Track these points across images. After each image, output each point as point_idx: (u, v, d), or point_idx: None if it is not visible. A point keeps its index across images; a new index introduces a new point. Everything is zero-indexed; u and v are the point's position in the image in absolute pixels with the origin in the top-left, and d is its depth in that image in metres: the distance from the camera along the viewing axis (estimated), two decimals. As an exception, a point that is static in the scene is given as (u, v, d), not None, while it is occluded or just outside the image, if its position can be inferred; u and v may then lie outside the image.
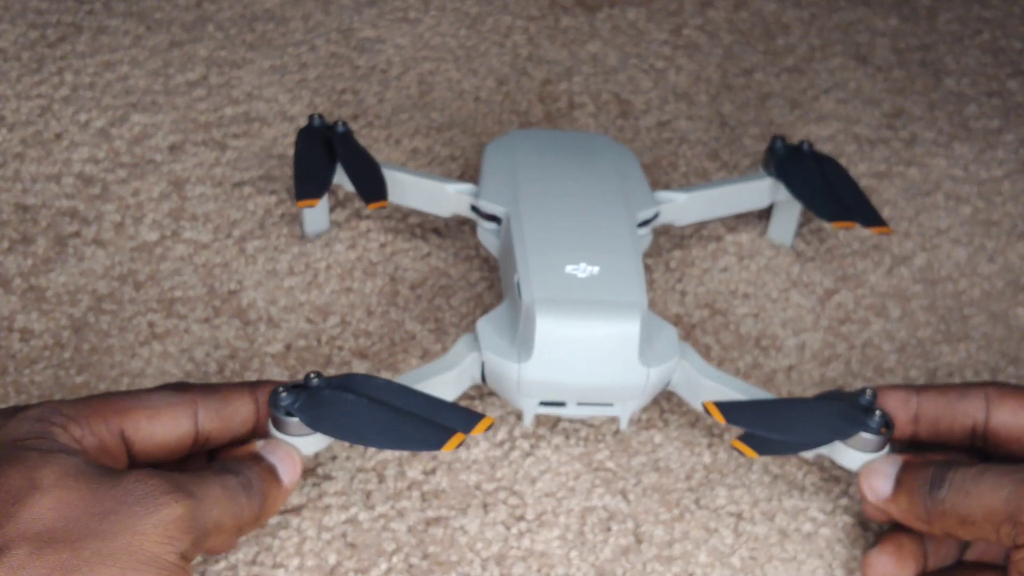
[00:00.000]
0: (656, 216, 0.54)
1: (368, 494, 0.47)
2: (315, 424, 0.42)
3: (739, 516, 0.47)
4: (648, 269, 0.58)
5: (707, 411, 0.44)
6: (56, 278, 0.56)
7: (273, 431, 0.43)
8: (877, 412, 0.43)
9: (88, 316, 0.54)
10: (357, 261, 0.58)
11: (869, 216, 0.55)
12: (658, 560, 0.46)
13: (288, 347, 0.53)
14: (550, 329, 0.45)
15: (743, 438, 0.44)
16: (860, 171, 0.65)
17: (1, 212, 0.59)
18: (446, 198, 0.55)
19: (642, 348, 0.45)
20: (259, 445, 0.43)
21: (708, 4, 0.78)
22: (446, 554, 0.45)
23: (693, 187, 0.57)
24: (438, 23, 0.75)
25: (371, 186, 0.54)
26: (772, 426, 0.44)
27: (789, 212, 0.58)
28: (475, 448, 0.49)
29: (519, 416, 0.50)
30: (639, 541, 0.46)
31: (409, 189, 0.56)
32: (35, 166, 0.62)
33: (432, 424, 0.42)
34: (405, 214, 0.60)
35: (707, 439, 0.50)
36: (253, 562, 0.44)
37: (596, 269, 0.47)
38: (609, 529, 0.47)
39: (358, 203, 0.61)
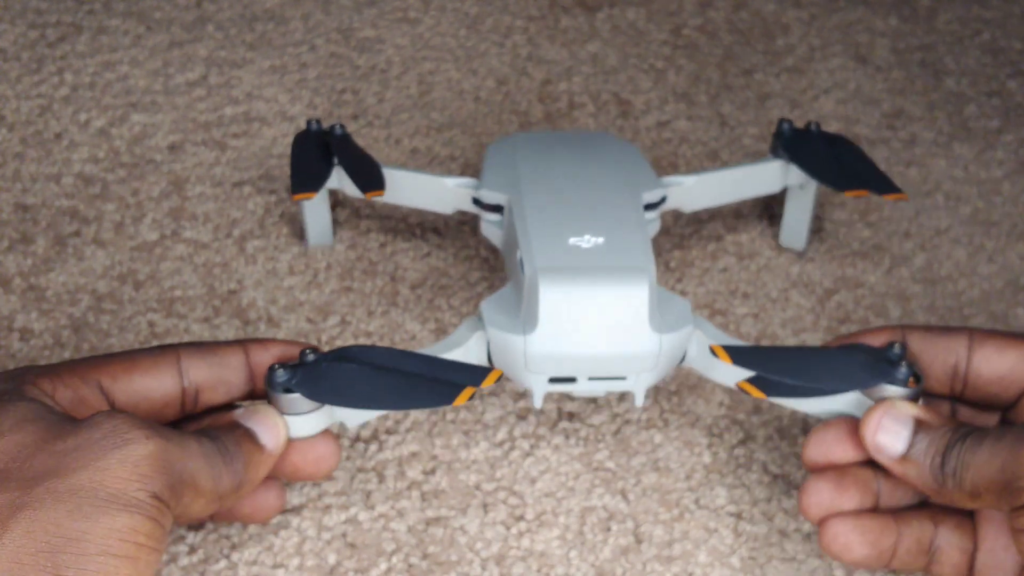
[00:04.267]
0: (663, 201, 0.53)
1: (368, 494, 0.47)
2: (318, 396, 0.40)
3: (739, 516, 0.47)
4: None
5: (714, 353, 0.42)
6: (56, 278, 0.56)
7: None
8: (906, 365, 0.41)
9: (88, 316, 0.54)
10: (357, 261, 0.58)
11: (883, 184, 0.54)
12: (658, 560, 0.46)
13: (288, 347, 0.53)
14: (555, 297, 0.43)
15: (752, 380, 0.41)
16: (860, 171, 0.65)
17: (1, 212, 0.59)
18: (447, 193, 0.54)
19: (653, 314, 0.43)
20: (237, 413, 0.40)
21: (708, 4, 0.78)
22: (446, 554, 0.45)
23: (701, 171, 0.56)
24: (438, 23, 0.75)
25: (368, 177, 0.53)
26: (785, 370, 0.41)
27: (801, 206, 0.57)
28: (475, 448, 0.49)
29: (520, 415, 0.50)
30: (639, 541, 0.46)
31: (409, 187, 0.55)
32: (35, 166, 0.62)
33: (440, 381, 0.41)
34: (405, 214, 0.60)
35: (707, 439, 0.50)
36: (253, 562, 0.44)
37: (601, 239, 0.46)
38: (609, 529, 0.47)
39: (358, 203, 0.61)
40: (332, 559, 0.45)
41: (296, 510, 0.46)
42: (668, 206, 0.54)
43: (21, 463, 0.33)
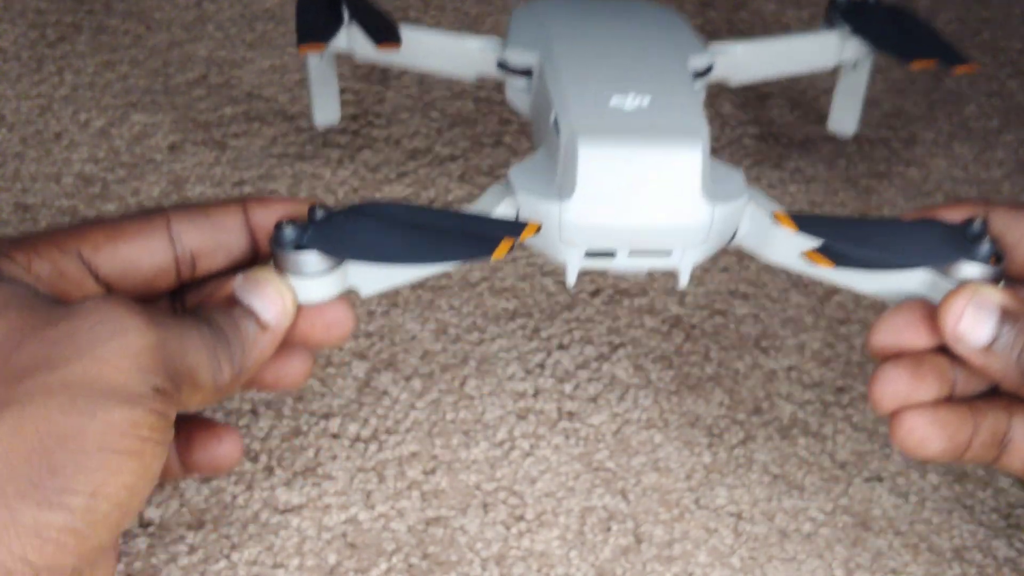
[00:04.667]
0: (710, 69, 0.48)
1: (368, 494, 0.47)
2: (336, 250, 0.35)
3: (739, 516, 0.47)
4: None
5: (777, 220, 0.38)
6: (56, 278, 0.56)
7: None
8: (988, 242, 0.37)
9: (88, 316, 0.54)
10: (357, 261, 0.58)
11: (951, 54, 0.50)
12: (658, 560, 0.46)
13: (288, 347, 0.53)
14: (596, 158, 0.38)
15: (819, 249, 0.38)
16: (860, 171, 0.65)
17: (1, 212, 0.59)
18: (469, 55, 0.50)
19: (705, 181, 0.39)
20: (237, 283, 0.35)
21: (708, 4, 0.78)
22: (446, 554, 0.45)
23: (753, 38, 0.51)
24: (438, 23, 0.75)
25: (383, 29, 0.49)
26: (856, 240, 0.37)
27: (853, 87, 0.53)
28: (475, 448, 0.49)
29: (520, 415, 0.50)
30: (639, 541, 0.46)
31: (427, 47, 0.50)
32: (35, 166, 0.62)
33: (474, 235, 0.36)
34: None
35: (707, 439, 0.50)
36: (253, 562, 0.44)
37: (646, 99, 0.41)
38: (609, 529, 0.47)
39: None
40: (332, 559, 0.45)
41: (296, 510, 0.46)
42: (715, 76, 0.49)
43: (5, 355, 0.30)
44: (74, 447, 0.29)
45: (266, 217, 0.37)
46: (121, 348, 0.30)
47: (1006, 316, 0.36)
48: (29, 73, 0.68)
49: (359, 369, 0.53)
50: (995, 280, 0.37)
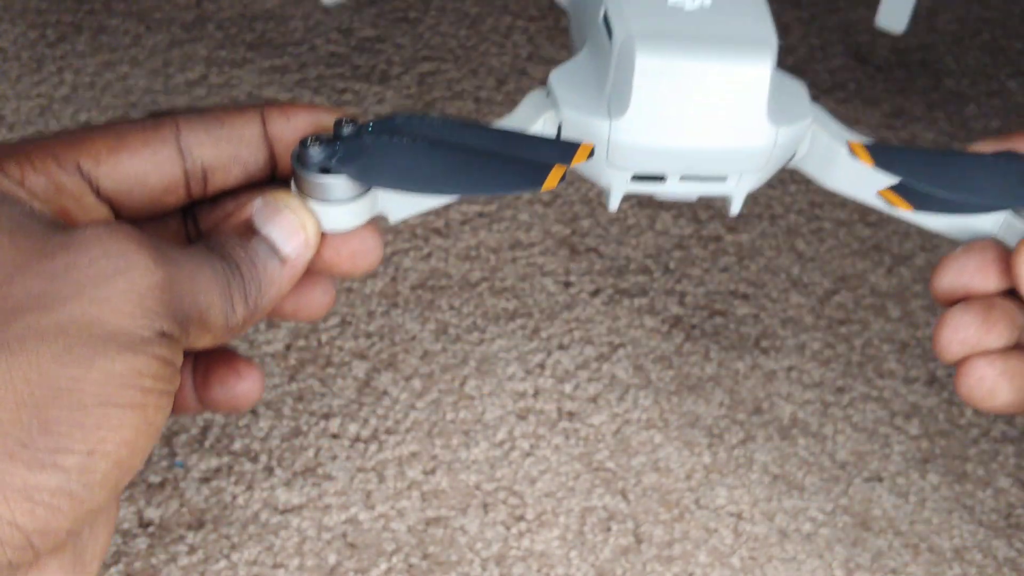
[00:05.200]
0: None
1: (368, 494, 0.47)
2: (367, 176, 0.32)
3: (739, 516, 0.47)
4: (648, 270, 0.58)
5: (853, 152, 0.35)
6: (56, 278, 0.56)
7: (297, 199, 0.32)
8: None
9: (88, 316, 0.54)
10: (357, 261, 0.58)
11: None
12: (658, 560, 0.46)
13: (288, 347, 0.53)
14: (654, 70, 0.34)
15: (896, 188, 0.35)
16: (860, 171, 0.65)
17: (1, 212, 0.59)
18: None
19: (772, 101, 0.36)
20: (256, 207, 0.31)
21: (708, 4, 0.78)
22: (446, 554, 0.45)
23: None
24: (438, 23, 0.75)
25: None
26: (935, 178, 0.35)
27: None
28: (475, 448, 0.49)
29: (520, 415, 0.50)
30: (639, 541, 0.46)
31: None
32: (35, 166, 0.62)
33: (519, 160, 0.33)
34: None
35: (707, 439, 0.50)
36: (253, 562, 0.44)
37: (708, 0, 0.37)
38: (609, 529, 0.47)
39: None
40: (332, 559, 0.45)
41: (296, 510, 0.46)
42: None
43: None
44: (69, 401, 0.26)
45: (287, 129, 0.34)
46: (124, 287, 0.27)
47: None
48: (29, 73, 0.68)
49: (359, 369, 0.53)
50: None
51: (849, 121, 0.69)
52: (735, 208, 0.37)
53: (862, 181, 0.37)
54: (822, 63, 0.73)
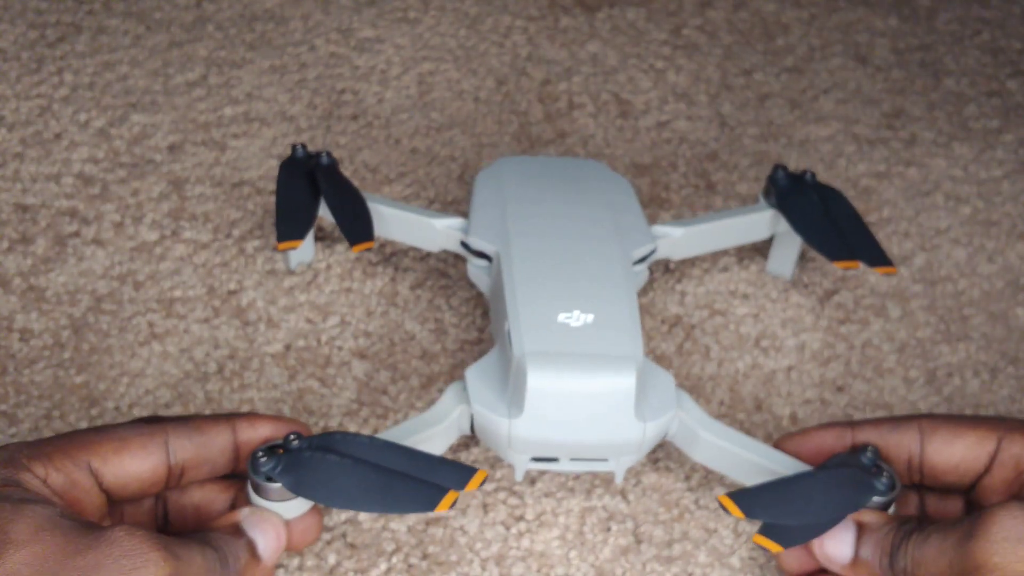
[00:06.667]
0: (653, 252, 0.52)
1: (368, 494, 0.47)
2: (298, 488, 0.40)
3: (739, 516, 0.47)
4: (648, 270, 0.58)
5: (723, 507, 0.42)
6: (56, 278, 0.56)
7: (253, 497, 0.41)
8: (885, 473, 0.42)
9: (88, 316, 0.54)
10: (357, 261, 0.58)
11: (874, 255, 0.53)
12: (658, 560, 0.46)
13: (288, 347, 0.53)
14: (542, 384, 0.43)
15: (763, 531, 0.42)
16: (860, 171, 0.65)
17: (1, 212, 0.59)
18: (434, 233, 0.53)
19: (638, 402, 0.44)
20: (243, 515, 0.41)
21: (708, 4, 0.78)
22: (446, 554, 0.45)
23: (690, 220, 0.55)
24: (438, 23, 0.75)
25: (357, 225, 0.52)
26: (788, 513, 0.42)
27: (789, 245, 0.57)
28: (475, 448, 0.49)
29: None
30: (639, 541, 0.46)
31: (396, 224, 0.54)
32: (35, 166, 0.62)
33: (422, 483, 0.41)
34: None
35: (707, 439, 0.50)
36: (253, 562, 0.44)
37: (590, 317, 0.45)
38: (609, 529, 0.47)
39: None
40: (332, 559, 0.45)
41: (296, 510, 0.46)
42: (656, 256, 0.53)
43: None
44: None
45: (252, 435, 0.43)
46: None
47: (863, 530, 0.42)
48: (29, 73, 0.68)
49: (359, 369, 0.52)
50: (887, 505, 0.42)
51: (849, 121, 0.69)
52: (618, 479, 0.46)
53: (722, 459, 0.45)
54: (822, 63, 0.73)
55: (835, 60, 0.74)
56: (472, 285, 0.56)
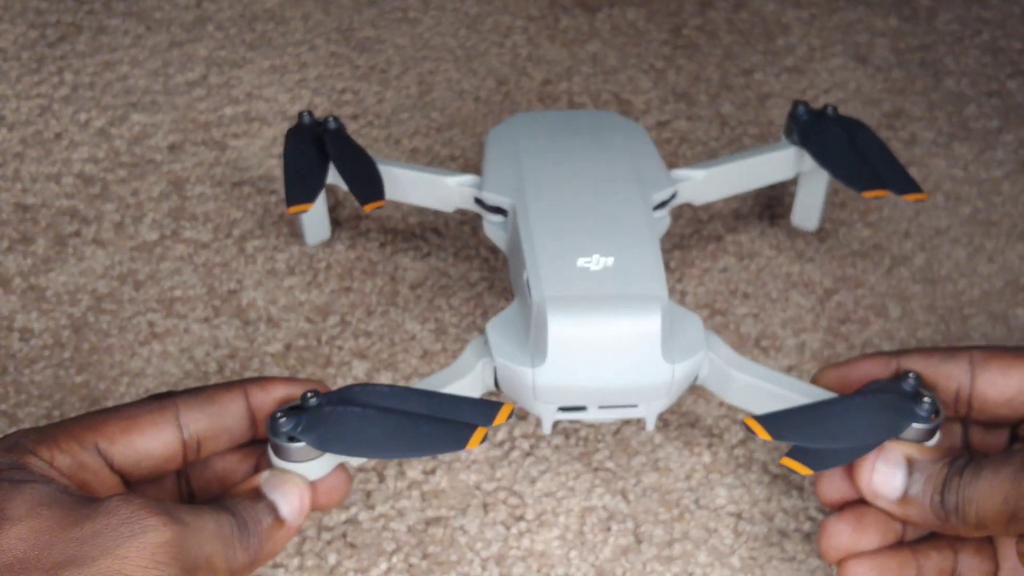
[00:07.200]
0: (673, 196, 0.51)
1: (368, 494, 0.47)
2: (323, 444, 0.39)
3: (739, 516, 0.47)
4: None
5: (748, 428, 0.40)
6: (56, 278, 0.56)
7: (275, 460, 0.40)
8: (926, 399, 0.40)
9: (88, 316, 0.54)
10: (357, 261, 0.58)
11: (902, 183, 0.51)
12: (658, 560, 0.46)
13: (288, 347, 0.53)
14: (564, 330, 0.41)
15: (792, 454, 0.40)
16: (860, 171, 0.65)
17: (1, 212, 0.59)
18: (448, 192, 0.52)
19: (665, 343, 0.42)
20: (263, 478, 0.39)
21: (708, 4, 0.78)
22: (446, 554, 0.45)
23: (711, 162, 0.53)
24: (438, 23, 0.75)
25: (367, 185, 0.51)
26: (820, 435, 0.40)
27: (814, 188, 0.55)
28: (475, 448, 0.49)
29: (520, 415, 0.50)
30: (639, 541, 0.46)
31: (408, 185, 0.53)
32: (35, 166, 0.62)
33: (449, 423, 0.39)
34: (405, 214, 0.60)
35: (707, 439, 0.50)
36: (253, 562, 0.44)
37: (610, 260, 0.44)
38: (609, 529, 0.47)
39: (357, 203, 0.61)
40: (332, 559, 0.45)
41: (296, 510, 0.46)
42: (678, 201, 0.52)
43: (41, 551, 0.33)
44: None
45: (267, 400, 0.41)
46: (141, 545, 0.34)
47: (914, 465, 0.40)
48: (29, 73, 0.68)
49: (359, 369, 0.53)
50: (930, 433, 0.40)
51: (849, 121, 0.69)
52: (650, 427, 0.44)
53: (756, 398, 0.44)
54: (822, 63, 0.73)
55: (835, 60, 0.74)
56: (472, 285, 0.56)
